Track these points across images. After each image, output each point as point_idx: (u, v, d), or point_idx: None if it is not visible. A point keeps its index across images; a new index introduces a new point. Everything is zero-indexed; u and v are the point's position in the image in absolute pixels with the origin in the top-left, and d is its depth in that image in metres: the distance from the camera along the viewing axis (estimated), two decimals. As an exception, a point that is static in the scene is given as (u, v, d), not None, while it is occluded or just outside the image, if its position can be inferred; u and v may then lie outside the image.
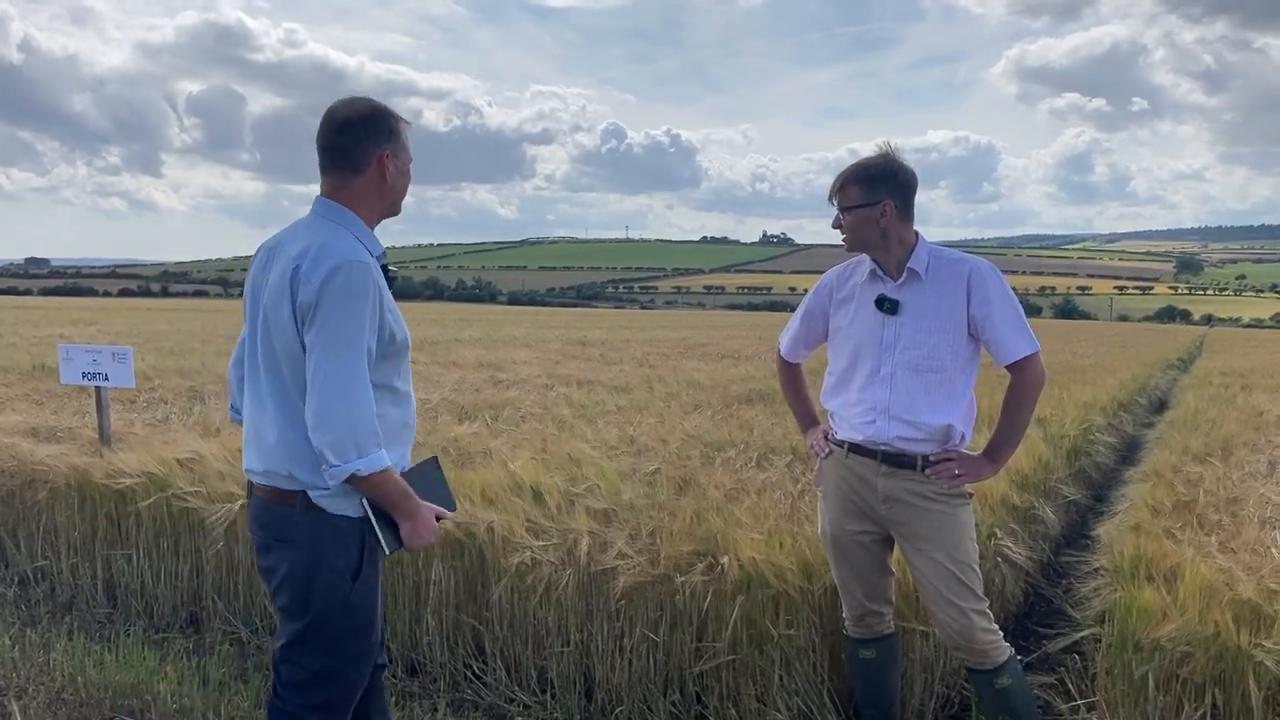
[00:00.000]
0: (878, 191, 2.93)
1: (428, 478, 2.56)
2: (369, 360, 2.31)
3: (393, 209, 2.54)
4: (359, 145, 2.41)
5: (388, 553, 2.44)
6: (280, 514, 2.42)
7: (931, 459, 2.98)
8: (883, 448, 3.00)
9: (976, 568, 3.03)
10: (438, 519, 2.51)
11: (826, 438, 3.21)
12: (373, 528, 2.40)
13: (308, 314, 2.27)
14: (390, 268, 2.52)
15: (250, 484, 2.53)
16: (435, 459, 2.67)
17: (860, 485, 3.07)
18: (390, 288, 2.51)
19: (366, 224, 2.46)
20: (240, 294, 2.65)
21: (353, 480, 2.29)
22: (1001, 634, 3.05)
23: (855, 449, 3.07)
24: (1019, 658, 3.14)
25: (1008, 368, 3.02)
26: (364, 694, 2.61)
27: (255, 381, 2.44)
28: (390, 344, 2.40)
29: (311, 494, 2.37)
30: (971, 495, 3.07)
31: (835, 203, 3.03)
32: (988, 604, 3.05)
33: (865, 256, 3.08)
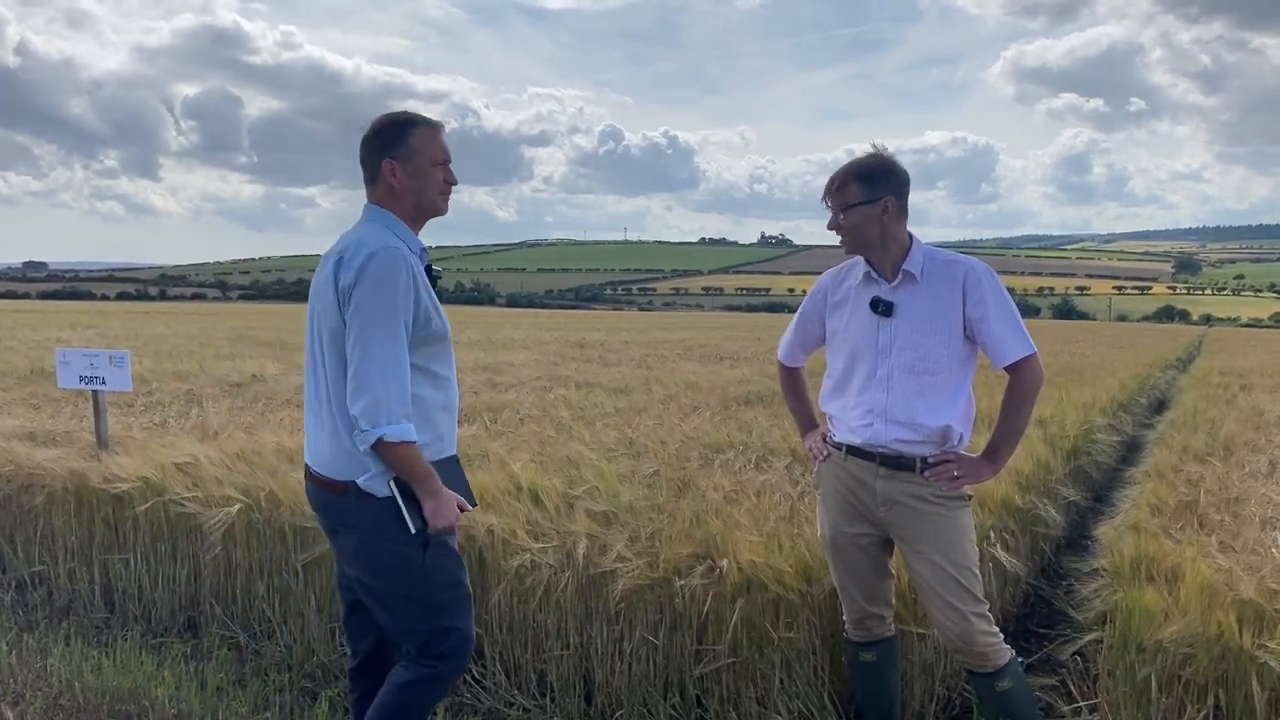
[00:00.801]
0: (878, 188, 2.91)
1: (450, 472, 2.71)
2: (406, 339, 2.50)
3: (426, 209, 2.71)
4: (369, 159, 2.67)
5: (413, 530, 2.56)
6: (335, 501, 2.64)
7: (930, 461, 2.97)
8: (881, 450, 2.98)
9: (976, 570, 3.01)
10: (459, 509, 2.66)
11: (825, 440, 3.20)
12: (398, 504, 2.55)
13: (347, 296, 2.49)
14: (434, 266, 2.73)
15: (307, 468, 2.74)
16: (455, 457, 2.79)
17: (859, 488, 3.05)
18: (434, 286, 2.71)
19: (405, 223, 2.68)
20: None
21: (379, 448, 2.48)
22: (1002, 636, 3.04)
23: (853, 451, 3.05)
24: (1020, 660, 3.12)
25: (1005, 369, 3.01)
26: (383, 652, 2.87)
27: (312, 379, 2.66)
28: (427, 328, 2.57)
29: (359, 481, 2.56)
30: (970, 497, 3.05)
31: (830, 203, 3.00)
32: (988, 606, 3.04)
33: (859, 259, 3.07)
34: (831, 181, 2.99)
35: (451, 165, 2.73)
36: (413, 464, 2.54)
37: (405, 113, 2.70)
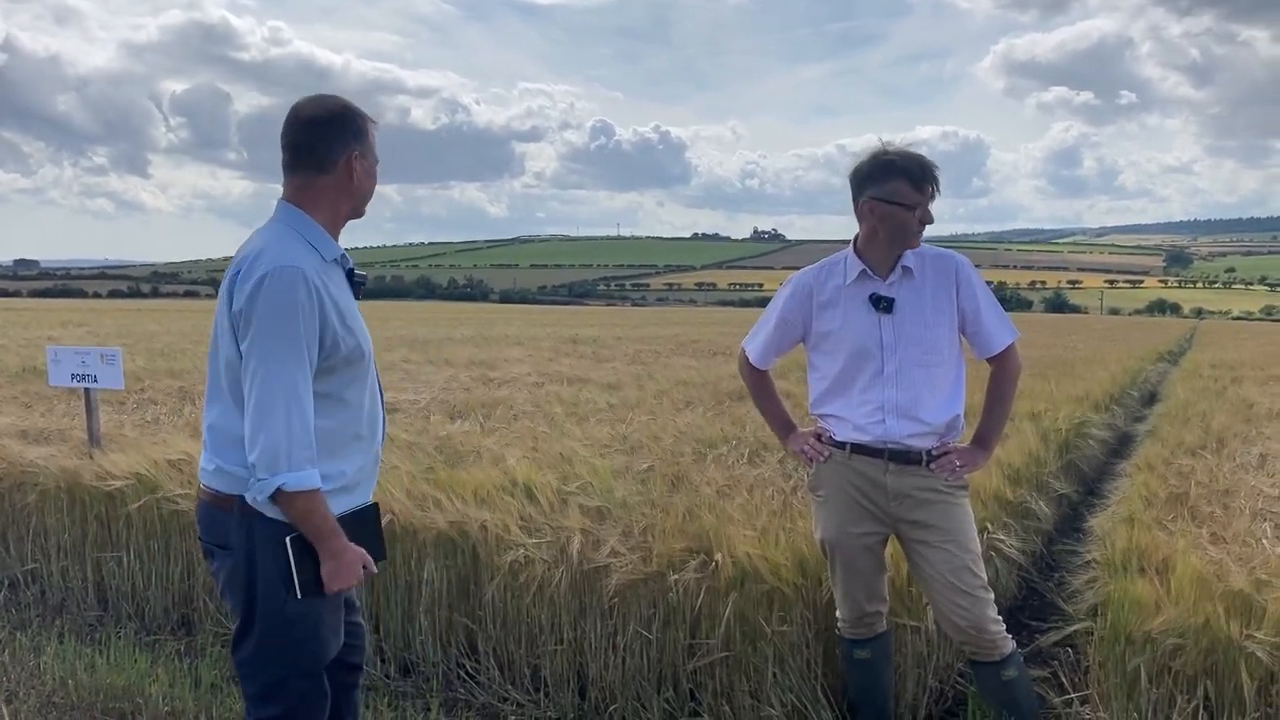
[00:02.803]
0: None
1: (363, 524, 2.44)
2: (309, 370, 2.23)
3: (357, 212, 2.47)
4: (327, 144, 2.35)
5: (299, 596, 2.29)
6: (219, 518, 2.35)
7: (934, 453, 2.99)
8: (890, 446, 2.99)
9: (981, 559, 3.04)
10: (364, 567, 2.38)
11: (820, 441, 3.16)
12: (288, 564, 2.27)
13: (239, 323, 2.22)
14: (358, 271, 2.46)
15: (199, 487, 2.46)
16: (377, 506, 2.54)
17: (867, 486, 3.04)
18: (358, 293, 2.46)
19: (327, 227, 2.38)
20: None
21: (278, 498, 2.21)
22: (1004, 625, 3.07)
23: (859, 449, 3.03)
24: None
25: (993, 358, 3.07)
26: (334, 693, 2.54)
27: (210, 386, 2.39)
28: (336, 353, 2.30)
29: (246, 497, 2.27)
30: (966, 487, 3.09)
31: (921, 195, 2.89)
32: (993, 595, 3.06)
33: (842, 257, 3.07)
34: (929, 170, 2.90)
35: (385, 159, 2.48)
36: (315, 519, 2.25)
37: (350, 102, 2.42)
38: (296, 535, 2.27)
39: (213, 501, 2.37)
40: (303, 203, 2.37)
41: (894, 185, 2.88)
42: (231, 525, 2.32)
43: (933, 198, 2.93)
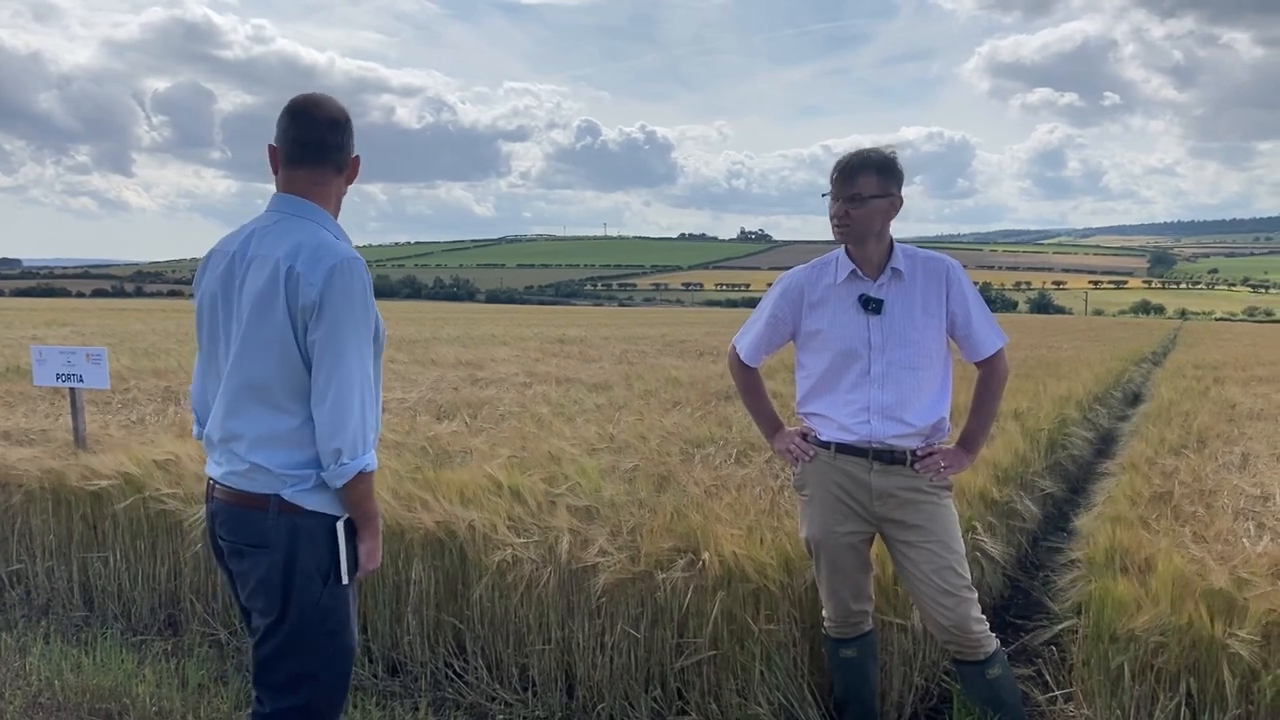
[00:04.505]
0: (891, 183, 2.94)
1: None
2: (373, 356, 2.35)
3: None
4: (347, 145, 2.42)
5: (344, 580, 2.38)
6: (252, 518, 2.36)
7: (919, 454, 3.01)
8: (875, 446, 3.00)
9: (965, 559, 3.06)
10: None
11: (805, 440, 3.18)
12: (335, 551, 2.36)
13: (311, 315, 2.25)
14: None
15: (210, 489, 2.48)
16: None
17: (852, 485, 3.06)
18: None
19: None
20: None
21: (353, 481, 2.30)
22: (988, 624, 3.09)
23: (844, 449, 3.05)
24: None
25: (982, 362, 3.09)
26: None
27: (230, 388, 2.37)
28: (378, 339, 2.40)
29: (286, 493, 2.31)
30: (951, 487, 3.11)
31: (840, 191, 2.93)
32: (977, 595, 3.08)
33: (834, 257, 3.09)
34: (846, 169, 2.92)
35: (371, 158, 2.56)
36: (372, 499, 2.39)
37: None
38: (345, 519, 2.37)
39: (240, 502, 2.37)
40: (315, 197, 2.41)
41: (832, 178, 2.97)
42: (269, 523, 2.33)
43: (850, 197, 2.90)
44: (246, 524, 2.38)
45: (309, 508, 2.33)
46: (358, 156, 2.47)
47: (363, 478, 2.31)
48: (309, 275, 2.24)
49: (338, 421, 2.25)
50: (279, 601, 2.36)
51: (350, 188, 2.53)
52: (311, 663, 2.41)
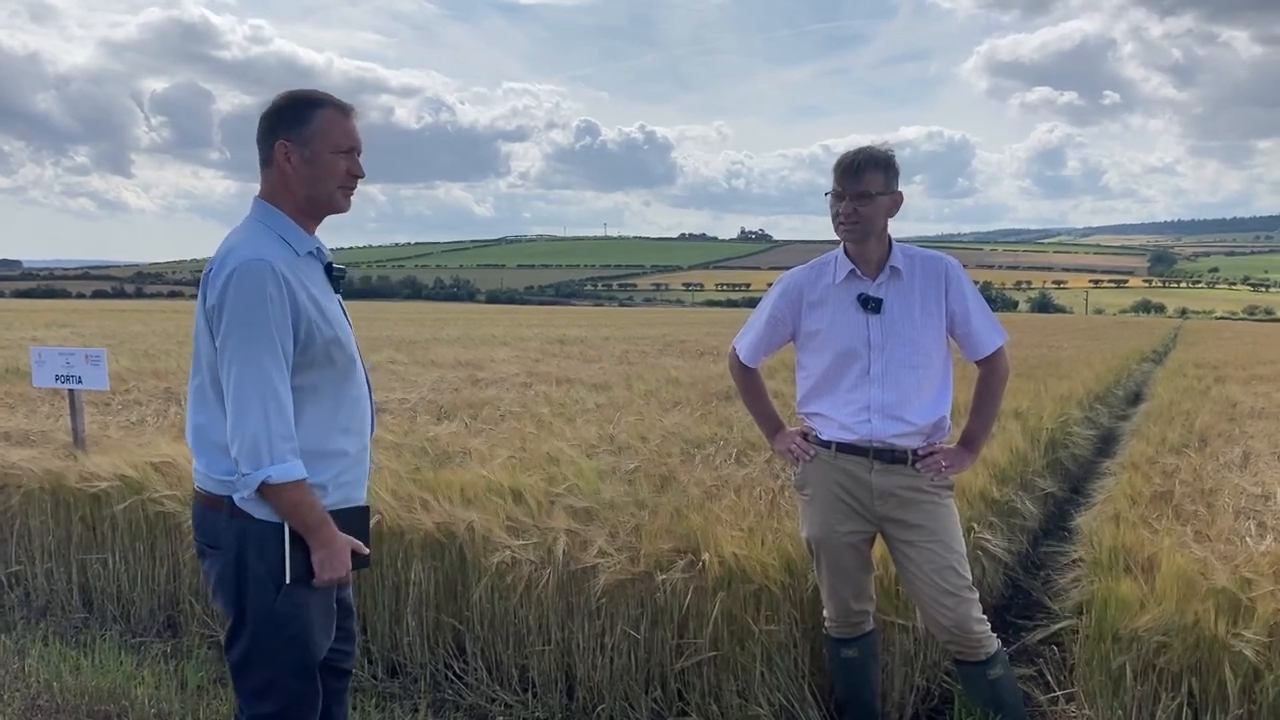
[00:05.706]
0: (893, 181, 2.93)
1: (350, 525, 2.42)
2: (286, 364, 2.24)
3: (322, 203, 2.39)
4: (264, 138, 2.35)
5: (288, 580, 2.30)
6: (210, 519, 2.36)
7: (920, 453, 3.00)
8: (875, 445, 3.00)
9: (966, 558, 3.05)
10: (354, 554, 2.39)
11: (805, 440, 3.17)
12: (281, 552, 2.28)
13: (213, 319, 2.24)
14: (337, 265, 2.45)
15: (194, 488, 2.48)
16: (367, 509, 2.53)
17: (853, 484, 3.05)
18: (337, 287, 2.45)
19: (296, 220, 2.37)
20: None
21: (264, 492, 2.22)
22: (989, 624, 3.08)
23: (845, 448, 3.04)
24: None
25: (982, 361, 3.08)
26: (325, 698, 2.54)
27: (193, 389, 2.39)
28: (312, 344, 2.29)
29: (235, 498, 2.29)
30: (952, 487, 3.10)
31: (847, 188, 2.89)
32: (978, 595, 3.07)
33: (832, 257, 3.08)
34: (850, 165, 2.89)
35: (370, 158, 2.40)
36: (303, 510, 2.26)
37: (314, 91, 2.39)
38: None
39: (205, 503, 2.39)
40: (267, 197, 2.38)
41: (835, 176, 2.95)
42: (222, 524, 2.32)
43: (855, 194, 2.88)
44: (206, 524, 2.40)
45: (258, 516, 2.29)
46: (283, 143, 2.31)
47: (274, 489, 2.21)
48: (214, 280, 2.24)
49: (234, 431, 2.20)
50: (234, 604, 2.36)
51: None
52: (276, 670, 2.38)
